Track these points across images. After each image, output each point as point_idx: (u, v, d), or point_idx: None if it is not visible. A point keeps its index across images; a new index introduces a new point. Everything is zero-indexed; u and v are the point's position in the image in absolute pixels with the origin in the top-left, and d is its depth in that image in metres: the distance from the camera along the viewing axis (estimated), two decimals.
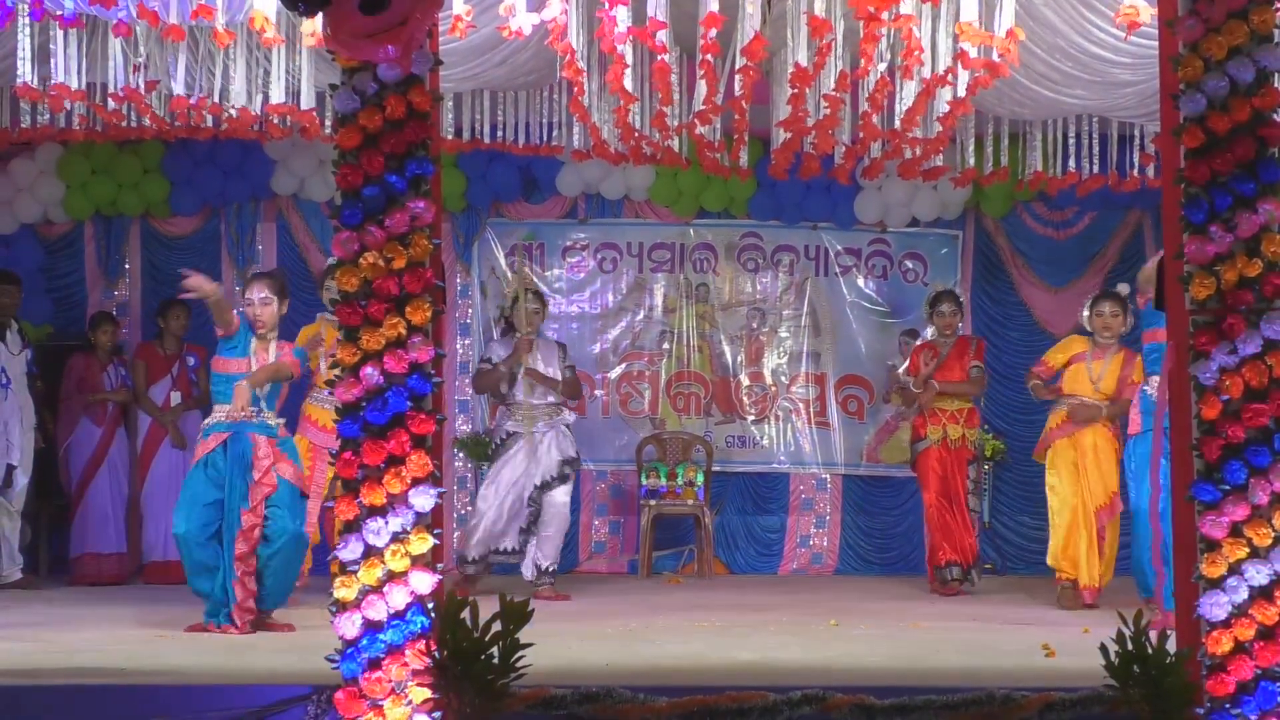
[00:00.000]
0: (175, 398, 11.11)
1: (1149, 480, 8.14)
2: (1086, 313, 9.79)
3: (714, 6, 7.31)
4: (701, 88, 8.10)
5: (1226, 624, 4.70)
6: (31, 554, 10.96)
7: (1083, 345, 9.68)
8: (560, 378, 10.11)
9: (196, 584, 7.91)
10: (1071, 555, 9.46)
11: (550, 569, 9.91)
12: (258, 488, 7.87)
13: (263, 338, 8.12)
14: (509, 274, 12.20)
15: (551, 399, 10.05)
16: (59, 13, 7.80)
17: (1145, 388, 8.45)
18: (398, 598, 4.72)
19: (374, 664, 4.71)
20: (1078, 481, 9.51)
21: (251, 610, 7.85)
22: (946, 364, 10.48)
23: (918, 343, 10.98)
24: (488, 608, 4.75)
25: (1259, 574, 4.69)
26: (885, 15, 7.25)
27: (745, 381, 12.35)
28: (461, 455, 12.09)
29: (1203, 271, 4.82)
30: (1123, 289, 9.68)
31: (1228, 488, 4.74)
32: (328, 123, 8.95)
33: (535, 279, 11.69)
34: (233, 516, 7.87)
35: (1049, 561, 9.69)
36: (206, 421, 8.17)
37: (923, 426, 10.49)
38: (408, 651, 4.70)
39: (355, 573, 4.76)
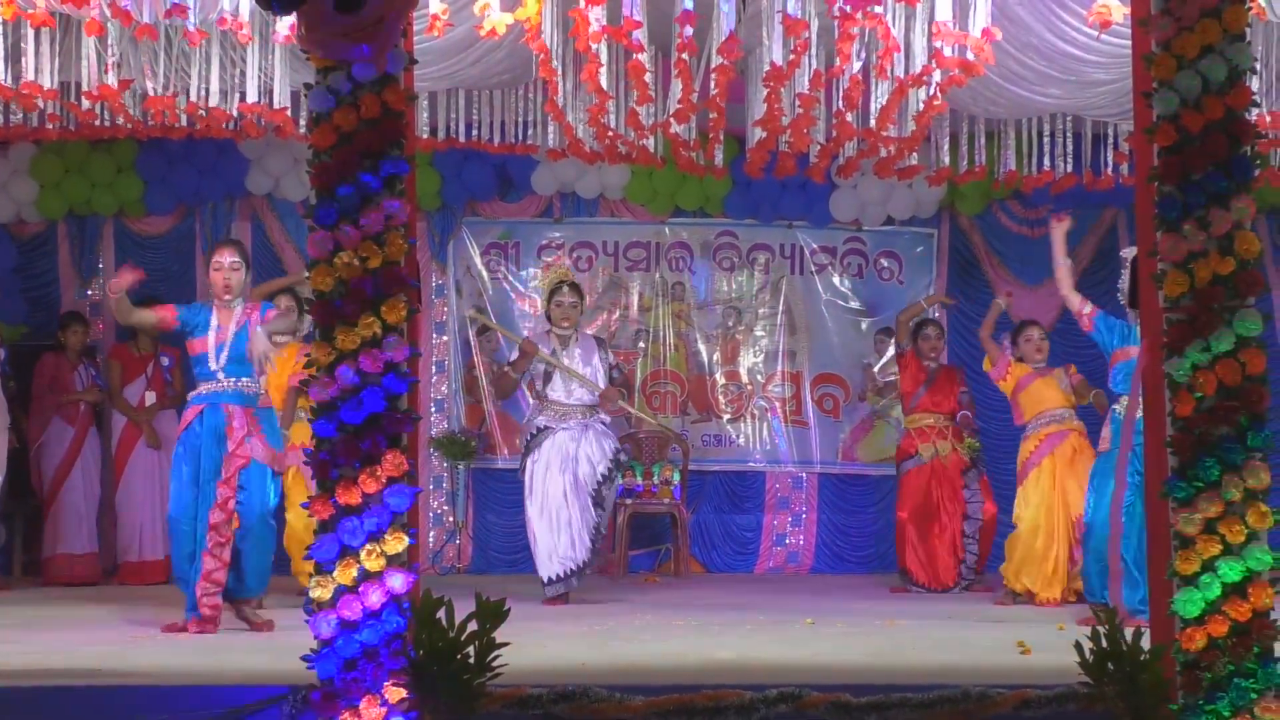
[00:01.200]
0: (150, 397, 11.08)
1: (1107, 494, 8.24)
2: (1009, 342, 9.89)
3: (688, 4, 7.32)
4: (677, 86, 8.10)
5: (1200, 621, 4.72)
6: (6, 555, 10.93)
7: (1023, 369, 9.73)
8: (599, 375, 9.57)
9: (180, 570, 7.86)
10: (1022, 577, 9.54)
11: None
12: (231, 459, 7.79)
13: (227, 305, 7.98)
14: (484, 272, 12.20)
15: (589, 398, 9.53)
16: (31, 11, 7.77)
17: (1115, 407, 8.44)
18: (373, 598, 4.71)
19: (349, 664, 4.69)
20: (1043, 512, 9.54)
21: (219, 582, 7.71)
22: (938, 388, 10.68)
23: (903, 351, 11.02)
24: (463, 608, 4.75)
25: (1232, 571, 4.70)
26: (859, 14, 7.27)
27: (721, 380, 12.36)
28: (437, 455, 12.07)
29: (1176, 269, 4.83)
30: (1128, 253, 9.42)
31: (1201, 484, 4.76)
32: (302, 122, 8.93)
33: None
34: (207, 489, 7.80)
35: (1001, 570, 9.78)
36: (189, 395, 8.11)
37: (912, 445, 10.59)
38: (383, 651, 4.69)
39: (330, 573, 4.75)
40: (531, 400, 9.90)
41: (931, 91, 8.18)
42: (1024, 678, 5.28)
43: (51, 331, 11.47)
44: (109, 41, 8.37)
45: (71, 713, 5.40)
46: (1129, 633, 4.80)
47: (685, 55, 7.72)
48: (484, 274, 12.22)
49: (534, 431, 9.54)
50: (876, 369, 11.86)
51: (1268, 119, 8.89)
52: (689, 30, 7.46)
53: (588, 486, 9.30)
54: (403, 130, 4.90)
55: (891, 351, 12.04)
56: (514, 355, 9.70)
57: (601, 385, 9.55)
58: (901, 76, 8.08)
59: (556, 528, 9.24)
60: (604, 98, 8.24)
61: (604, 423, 9.60)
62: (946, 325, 11.63)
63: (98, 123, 9.24)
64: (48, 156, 11.53)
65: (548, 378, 9.55)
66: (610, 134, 8.98)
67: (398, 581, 4.73)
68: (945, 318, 11.95)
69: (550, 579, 9.24)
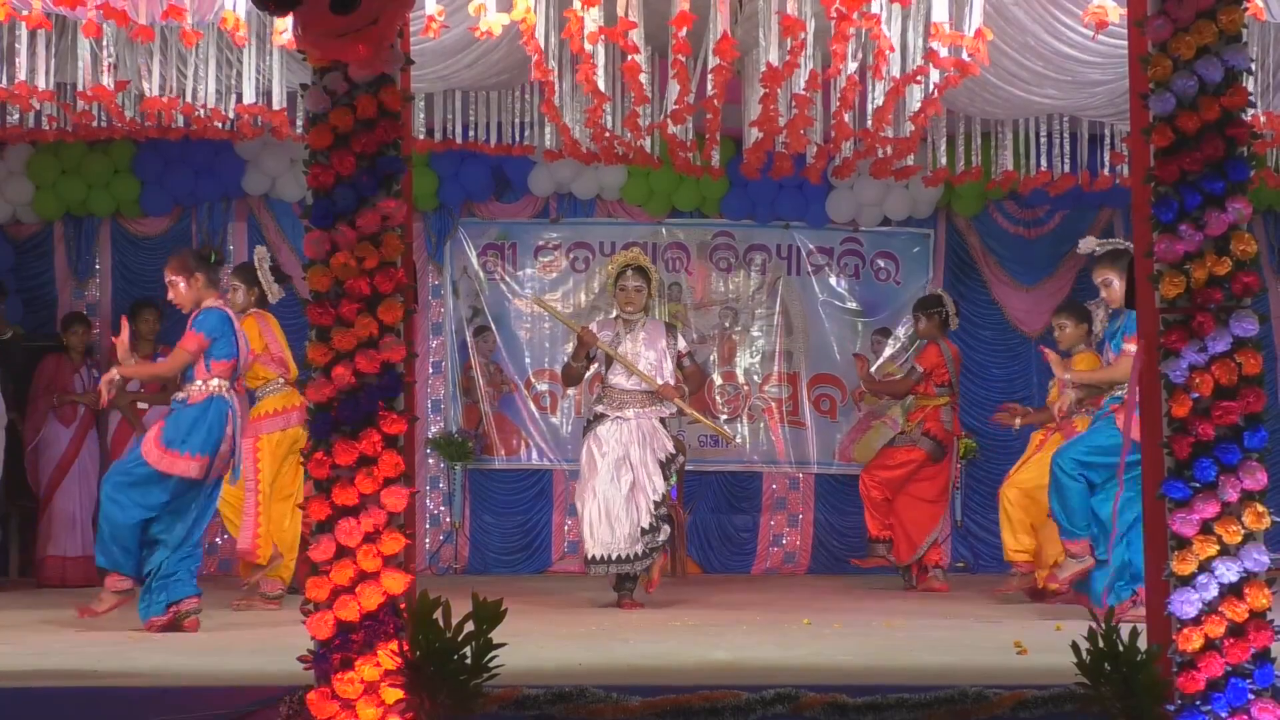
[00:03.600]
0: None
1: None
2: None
3: (685, 5, 7.32)
4: (674, 87, 8.10)
5: (1197, 621, 4.72)
6: (2, 555, 10.91)
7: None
8: (663, 365, 9.27)
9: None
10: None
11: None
12: None
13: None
14: (480, 273, 12.20)
15: (649, 386, 9.23)
16: (25, 13, 7.77)
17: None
18: (370, 598, 4.71)
19: (346, 664, 4.69)
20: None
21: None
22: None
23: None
24: (460, 608, 4.74)
25: (1229, 571, 4.70)
26: (856, 15, 7.27)
27: (718, 381, 12.36)
28: (434, 455, 12.08)
29: (1172, 270, 4.83)
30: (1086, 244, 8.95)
31: (1198, 485, 4.76)
32: (299, 122, 8.94)
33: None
34: None
35: None
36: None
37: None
38: (380, 652, 4.69)
39: (327, 573, 4.75)
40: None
41: (928, 92, 8.17)
42: (1021, 678, 5.28)
43: (47, 333, 11.46)
44: (105, 42, 8.36)
45: (68, 714, 5.39)
46: (1125, 631, 4.80)
47: (681, 56, 7.72)
48: (481, 275, 12.22)
49: (590, 417, 9.44)
50: (873, 369, 11.83)
51: (1264, 120, 8.89)
52: (684, 31, 7.46)
53: (642, 499, 9.17)
54: (399, 131, 4.90)
55: (888, 352, 12.06)
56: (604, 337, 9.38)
57: (669, 370, 9.30)
58: (898, 77, 8.09)
59: (601, 512, 9.12)
60: (600, 99, 8.24)
61: (663, 418, 9.35)
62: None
63: (94, 124, 9.24)
64: (44, 157, 11.52)
65: (610, 362, 9.31)
66: (607, 135, 8.98)
67: (394, 582, 4.73)
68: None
69: (592, 558, 9.18)
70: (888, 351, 12.11)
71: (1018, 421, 10.16)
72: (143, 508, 7.77)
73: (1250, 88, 5.10)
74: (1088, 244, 8.62)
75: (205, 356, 7.92)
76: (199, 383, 7.91)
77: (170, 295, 8.11)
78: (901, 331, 12.08)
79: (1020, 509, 9.36)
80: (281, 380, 9.24)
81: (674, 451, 9.42)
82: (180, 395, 7.93)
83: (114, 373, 8.07)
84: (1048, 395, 10.03)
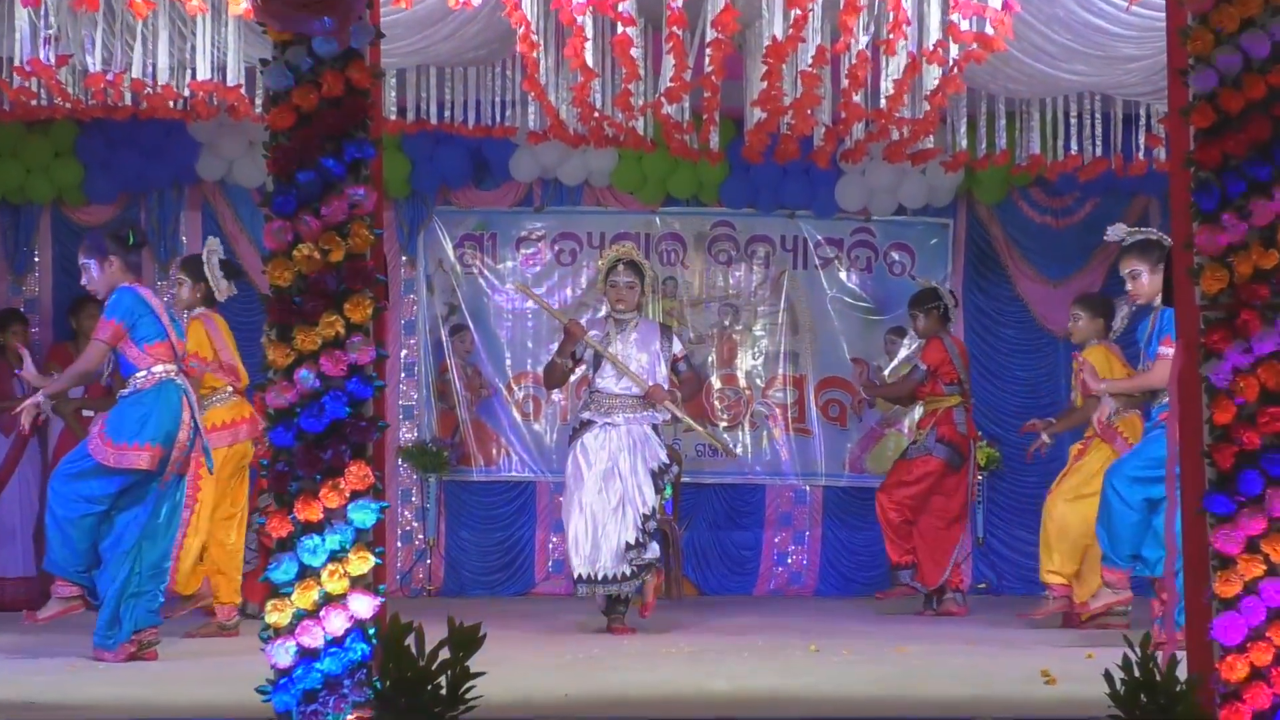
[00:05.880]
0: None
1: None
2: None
3: None
4: (669, 63, 8.10)
5: (1242, 648, 4.72)
6: None
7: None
8: (655, 369, 9.36)
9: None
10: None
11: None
12: None
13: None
14: (457, 266, 12.20)
15: (639, 390, 9.29)
16: None
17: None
18: (336, 623, 4.70)
19: (310, 696, 4.69)
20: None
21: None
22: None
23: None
24: (435, 634, 4.74)
25: (1277, 593, 4.71)
26: None
27: (717, 384, 12.37)
28: (406, 466, 12.07)
29: (1214, 263, 4.84)
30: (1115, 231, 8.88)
31: (1243, 499, 4.76)
32: (258, 101, 8.92)
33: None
34: None
35: None
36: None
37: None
38: (346, 682, 4.69)
39: (289, 596, 4.74)
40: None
41: (947, 69, 8.18)
42: (1049, 710, 5.30)
43: None
44: (44, 12, 8.35)
45: None
46: (1163, 659, 4.80)
47: (677, 29, 7.72)
48: (457, 268, 12.22)
49: (577, 424, 9.47)
50: (886, 371, 11.84)
51: None
52: (680, 1, 7.47)
53: (632, 512, 9.16)
54: (368, 111, 4.90)
55: (903, 353, 12.06)
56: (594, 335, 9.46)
57: (662, 374, 9.37)
58: (914, 52, 8.09)
59: (588, 528, 9.14)
60: (589, 75, 8.24)
61: (654, 424, 9.40)
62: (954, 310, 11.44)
63: (33, 102, 9.22)
64: None
65: (598, 364, 9.37)
66: (596, 115, 8.98)
67: (363, 605, 4.73)
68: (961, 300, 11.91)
69: (578, 577, 9.18)
70: (902, 353, 12.09)
71: (1045, 437, 10.14)
72: (86, 500, 7.75)
73: None
74: (1117, 231, 8.62)
75: (135, 343, 7.86)
76: (142, 373, 7.87)
77: (83, 280, 8.10)
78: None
79: (1059, 525, 9.31)
80: (230, 390, 9.14)
81: (667, 461, 9.44)
82: (125, 391, 7.91)
83: (38, 397, 8.05)
84: (1072, 396, 10.08)
